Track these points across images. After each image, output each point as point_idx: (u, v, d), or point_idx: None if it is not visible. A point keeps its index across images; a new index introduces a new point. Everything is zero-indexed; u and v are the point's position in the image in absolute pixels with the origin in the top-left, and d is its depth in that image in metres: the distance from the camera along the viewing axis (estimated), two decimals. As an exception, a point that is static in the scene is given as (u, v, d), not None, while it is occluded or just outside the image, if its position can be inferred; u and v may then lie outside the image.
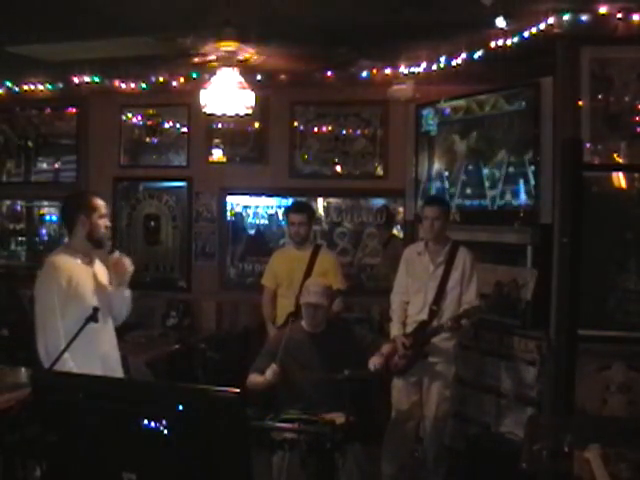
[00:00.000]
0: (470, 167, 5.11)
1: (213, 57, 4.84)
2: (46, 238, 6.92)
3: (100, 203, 3.42)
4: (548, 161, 4.46)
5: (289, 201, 5.89)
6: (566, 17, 4.04)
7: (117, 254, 3.43)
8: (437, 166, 5.45)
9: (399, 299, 4.46)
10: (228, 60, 4.52)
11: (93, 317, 3.05)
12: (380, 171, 6.08)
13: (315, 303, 3.95)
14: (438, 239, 4.36)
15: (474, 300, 4.23)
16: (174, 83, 6.05)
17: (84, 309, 3.14)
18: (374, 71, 5.56)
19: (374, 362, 3.92)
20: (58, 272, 3.27)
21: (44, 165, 6.87)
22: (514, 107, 4.75)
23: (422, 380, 4.34)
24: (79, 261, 3.35)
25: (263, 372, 3.86)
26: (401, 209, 5.98)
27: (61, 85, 6.25)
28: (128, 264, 3.44)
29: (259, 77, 5.59)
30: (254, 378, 3.88)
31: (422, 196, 5.55)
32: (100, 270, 3.48)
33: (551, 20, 4.08)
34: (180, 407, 1.86)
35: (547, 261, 4.31)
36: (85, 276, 3.35)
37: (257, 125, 6.23)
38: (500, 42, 4.45)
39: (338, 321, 4.43)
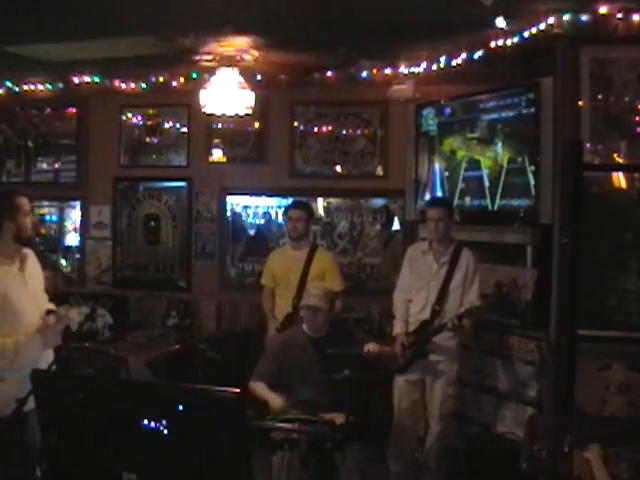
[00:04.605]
0: (470, 167, 5.11)
1: (213, 57, 4.85)
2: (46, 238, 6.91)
3: (23, 201, 3.26)
4: (548, 161, 4.45)
5: (289, 201, 5.86)
6: (566, 17, 4.04)
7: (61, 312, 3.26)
8: (437, 166, 5.45)
9: (402, 297, 4.47)
10: (228, 60, 4.52)
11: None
12: (380, 171, 6.07)
13: (314, 306, 3.94)
14: (442, 240, 4.38)
15: (475, 300, 4.24)
16: (174, 83, 6.05)
17: (19, 320, 3.10)
18: (374, 71, 5.56)
19: (369, 347, 3.93)
20: None
21: (44, 165, 6.85)
22: (514, 107, 4.75)
23: (424, 379, 4.36)
24: (11, 268, 3.21)
25: (266, 378, 3.88)
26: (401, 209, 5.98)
27: (61, 85, 6.25)
28: (74, 315, 3.29)
29: (259, 77, 5.59)
30: (260, 389, 3.86)
31: (422, 196, 5.55)
32: (33, 272, 3.36)
33: (551, 20, 4.09)
34: (180, 407, 1.87)
35: (547, 261, 4.30)
36: (18, 285, 3.21)
37: (257, 125, 6.22)
38: (500, 42, 4.45)
39: (339, 325, 4.42)
